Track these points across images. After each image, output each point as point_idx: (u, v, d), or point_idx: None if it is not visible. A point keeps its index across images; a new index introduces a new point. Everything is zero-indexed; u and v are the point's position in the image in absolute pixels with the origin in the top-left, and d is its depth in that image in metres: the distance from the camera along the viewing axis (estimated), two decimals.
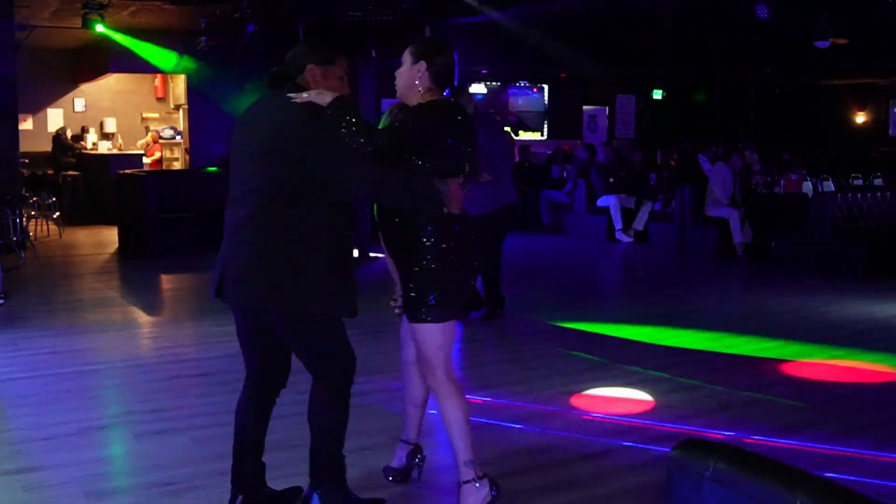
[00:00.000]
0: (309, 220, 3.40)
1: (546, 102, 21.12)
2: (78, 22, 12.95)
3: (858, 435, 4.97)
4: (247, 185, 3.47)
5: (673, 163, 15.44)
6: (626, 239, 13.55)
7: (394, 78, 3.78)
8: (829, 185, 13.58)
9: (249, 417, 3.73)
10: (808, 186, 12.79)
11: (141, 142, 18.20)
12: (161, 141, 18.18)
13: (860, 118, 23.92)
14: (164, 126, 18.72)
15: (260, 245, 3.41)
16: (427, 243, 3.59)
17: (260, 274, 3.41)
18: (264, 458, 3.79)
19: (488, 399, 5.57)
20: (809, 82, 22.72)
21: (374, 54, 14.71)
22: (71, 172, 16.44)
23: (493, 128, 7.87)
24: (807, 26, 13.01)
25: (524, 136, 20.09)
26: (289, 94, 3.42)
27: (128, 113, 18.88)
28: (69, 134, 17.45)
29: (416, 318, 3.65)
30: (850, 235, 10.66)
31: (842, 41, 13.52)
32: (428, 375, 3.74)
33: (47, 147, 17.16)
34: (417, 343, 3.72)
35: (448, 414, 3.70)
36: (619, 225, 13.66)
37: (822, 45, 13.05)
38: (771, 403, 5.56)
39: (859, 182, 14.78)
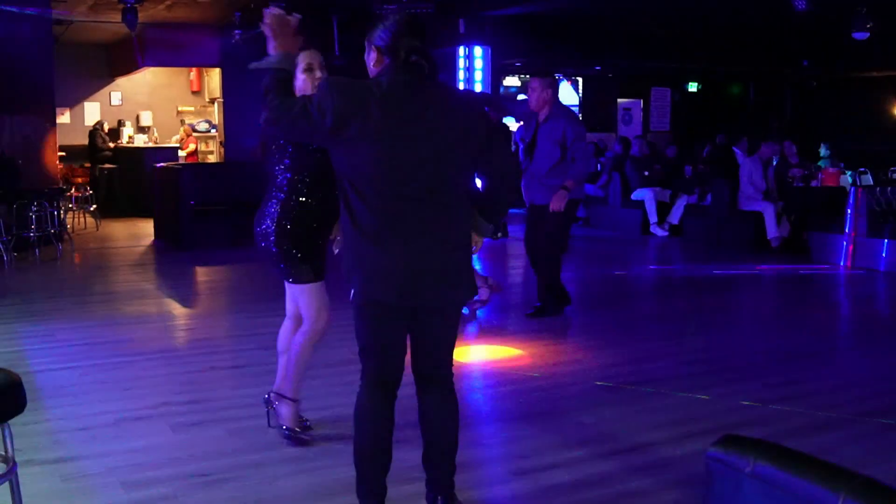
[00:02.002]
0: (468, 210, 3.47)
1: (580, 95, 21.03)
2: (115, 17, 13.05)
3: None
4: (418, 183, 3.22)
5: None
6: (660, 233, 13.45)
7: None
8: (868, 179, 13.41)
9: (389, 422, 3.53)
10: (845, 180, 12.64)
11: (177, 136, 18.33)
12: (196, 134, 18.28)
13: None
14: (200, 119, 18.83)
15: (454, 241, 3.36)
16: None
17: (460, 269, 3.41)
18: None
19: (517, 391, 5.55)
20: (847, 75, 22.43)
21: None
22: (107, 165, 16.60)
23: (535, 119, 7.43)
24: (845, 18, 12.84)
25: None
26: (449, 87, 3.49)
27: (163, 106, 19.03)
28: (106, 127, 17.62)
29: None
30: (889, 229, 10.52)
31: None
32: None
33: (84, 140, 17.33)
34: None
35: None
36: (653, 219, 13.57)
37: (860, 36, 12.87)
38: (809, 399, 5.51)
39: None
